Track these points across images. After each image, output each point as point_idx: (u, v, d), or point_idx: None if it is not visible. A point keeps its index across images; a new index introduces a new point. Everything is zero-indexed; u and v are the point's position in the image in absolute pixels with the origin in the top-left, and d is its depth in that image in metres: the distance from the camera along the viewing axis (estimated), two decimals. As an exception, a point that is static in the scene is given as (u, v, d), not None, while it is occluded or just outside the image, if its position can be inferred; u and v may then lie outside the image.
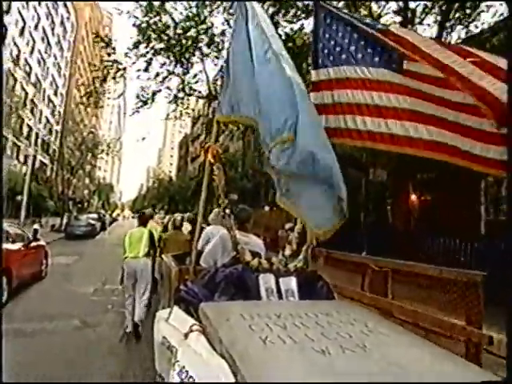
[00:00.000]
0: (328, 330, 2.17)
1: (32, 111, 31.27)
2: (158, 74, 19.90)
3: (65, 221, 32.91)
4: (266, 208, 23.61)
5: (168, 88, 20.93)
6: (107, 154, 46.00)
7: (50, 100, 48.25)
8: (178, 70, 20.24)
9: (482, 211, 11.42)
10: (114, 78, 20.26)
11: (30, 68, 39.48)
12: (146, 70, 19.57)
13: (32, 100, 31.59)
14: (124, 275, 5.86)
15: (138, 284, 5.76)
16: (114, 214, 71.17)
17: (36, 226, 14.22)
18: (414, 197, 14.07)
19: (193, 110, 27.05)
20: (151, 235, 5.92)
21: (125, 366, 4.71)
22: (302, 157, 2.52)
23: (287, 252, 3.09)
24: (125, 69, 19.89)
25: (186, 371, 1.90)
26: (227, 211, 3.08)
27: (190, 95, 22.21)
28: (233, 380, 1.70)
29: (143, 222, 6.22)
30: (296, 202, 2.88)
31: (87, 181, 68.52)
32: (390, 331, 2.26)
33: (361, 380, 1.63)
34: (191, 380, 1.83)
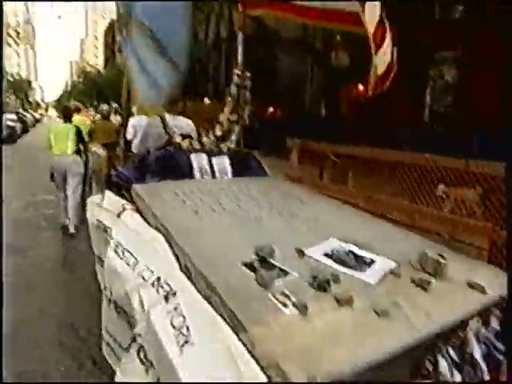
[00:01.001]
0: (261, 201, 2.26)
1: None
2: None
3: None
4: (207, 100, 22.71)
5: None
6: (17, 43, 40.19)
7: None
8: None
9: (428, 100, 11.87)
10: None
11: None
12: None
13: None
14: (54, 173, 5.53)
15: (68, 182, 5.49)
16: (37, 115, 65.08)
17: None
18: (361, 85, 14.16)
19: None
20: (79, 131, 5.50)
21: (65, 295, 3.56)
22: None
23: (218, 132, 3.05)
24: None
25: (122, 246, 1.92)
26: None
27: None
28: (169, 249, 1.75)
29: (67, 116, 5.70)
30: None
31: (-2, 76, 60.53)
32: (316, 198, 2.42)
33: (290, 239, 1.75)
34: (127, 254, 1.86)
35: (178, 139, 2.88)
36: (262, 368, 1.03)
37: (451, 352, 0.90)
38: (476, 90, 9.35)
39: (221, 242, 1.69)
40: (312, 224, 1.94)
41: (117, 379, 1.55)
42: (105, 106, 6.60)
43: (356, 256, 1.60)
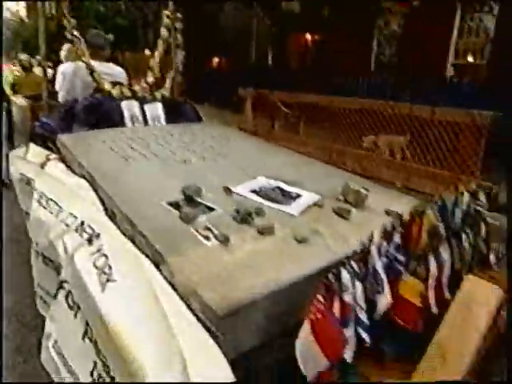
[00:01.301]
0: (191, 145, 2.23)
1: None
2: None
3: None
4: (147, 51, 21.43)
5: None
6: None
7: None
8: None
9: (375, 48, 11.96)
10: None
11: None
12: None
13: None
14: None
15: None
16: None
17: None
18: (309, 35, 13.91)
19: None
20: None
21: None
22: None
23: (149, 79, 2.91)
24: None
25: (45, 196, 1.84)
26: (75, 33, 2.66)
27: None
28: (94, 195, 1.70)
29: None
30: None
31: None
32: (248, 141, 2.43)
33: (219, 179, 1.75)
34: (50, 203, 1.79)
35: (107, 86, 2.72)
36: (181, 297, 1.06)
37: (354, 265, 0.96)
38: (422, 39, 9.53)
39: (148, 185, 1.67)
40: (243, 165, 1.95)
41: (46, 327, 1.53)
42: (23, 56, 5.99)
43: (283, 192, 1.64)
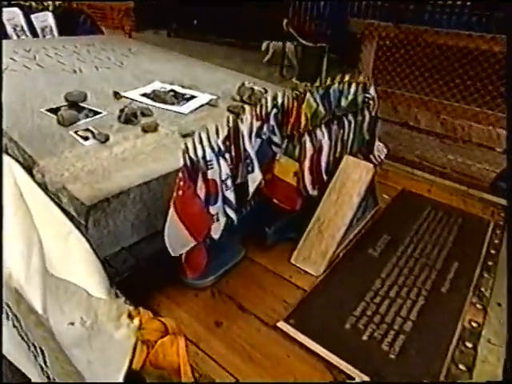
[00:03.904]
0: (85, 56, 2.04)
1: None
2: None
3: None
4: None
5: None
6: None
7: None
8: None
9: None
10: None
11: None
12: None
13: None
14: None
15: None
16: None
17: None
18: None
19: None
20: None
21: None
22: None
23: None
24: None
25: None
26: None
27: None
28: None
29: None
30: None
31: None
32: (153, 52, 2.27)
33: (111, 85, 1.63)
34: None
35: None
36: (49, 194, 1.01)
37: (220, 144, 0.96)
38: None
39: (25, 95, 1.52)
40: (139, 72, 1.83)
41: None
42: None
43: (176, 94, 1.57)
